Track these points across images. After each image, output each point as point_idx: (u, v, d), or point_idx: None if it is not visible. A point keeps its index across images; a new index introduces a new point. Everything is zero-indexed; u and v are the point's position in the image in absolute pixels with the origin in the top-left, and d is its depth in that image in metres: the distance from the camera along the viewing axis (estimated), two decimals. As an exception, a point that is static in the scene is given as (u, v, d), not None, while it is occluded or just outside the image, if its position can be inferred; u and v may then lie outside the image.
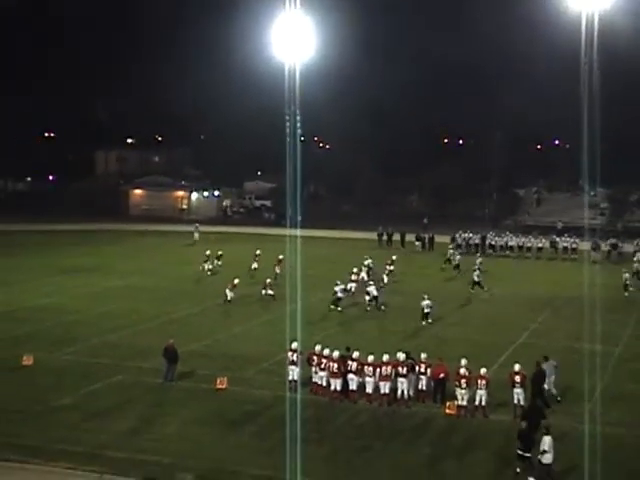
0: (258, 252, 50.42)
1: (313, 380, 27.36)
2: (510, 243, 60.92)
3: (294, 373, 27.25)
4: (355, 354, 26.95)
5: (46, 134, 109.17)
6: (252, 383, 28.52)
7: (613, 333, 34.77)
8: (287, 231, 49.43)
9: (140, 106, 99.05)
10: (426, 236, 63.46)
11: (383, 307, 40.03)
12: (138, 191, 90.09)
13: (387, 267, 47.23)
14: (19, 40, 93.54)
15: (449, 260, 52.81)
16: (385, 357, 26.63)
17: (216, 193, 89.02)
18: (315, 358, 27.28)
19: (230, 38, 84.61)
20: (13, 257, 55.98)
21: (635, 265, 49.43)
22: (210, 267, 49.78)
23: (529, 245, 60.35)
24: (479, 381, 25.42)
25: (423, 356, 26.97)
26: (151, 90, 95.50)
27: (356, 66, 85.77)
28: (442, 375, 26.44)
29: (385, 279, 44.85)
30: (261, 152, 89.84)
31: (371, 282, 42.12)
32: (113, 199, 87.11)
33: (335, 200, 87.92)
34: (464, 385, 25.54)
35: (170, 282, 47.44)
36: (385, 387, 26.34)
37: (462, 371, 25.75)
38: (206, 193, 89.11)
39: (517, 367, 25.96)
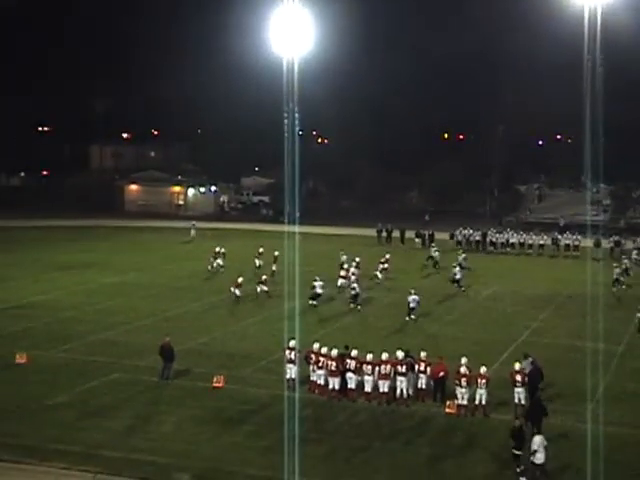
0: (261, 250, 49.56)
1: (311, 379, 27.07)
2: (511, 240, 60.61)
3: (292, 371, 27.00)
4: (354, 352, 26.68)
5: (40, 128, 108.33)
6: (249, 381, 28.23)
7: (615, 331, 34.46)
8: (285, 227, 49.11)
9: (136, 100, 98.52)
10: (426, 233, 63.10)
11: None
12: (134, 186, 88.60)
13: (381, 265, 46.81)
14: (19, 40, 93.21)
15: (431, 257, 52.26)
16: (384, 355, 26.34)
17: (213, 189, 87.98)
18: (313, 356, 27.00)
19: (228, 32, 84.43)
20: (7, 253, 55.49)
21: (625, 262, 48.80)
22: (222, 263, 48.87)
23: (530, 242, 60.03)
24: (479, 380, 25.16)
25: (423, 354, 26.67)
26: (147, 84, 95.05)
27: (355, 60, 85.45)
28: (442, 374, 26.17)
29: (379, 275, 44.45)
30: (259, 147, 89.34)
31: (351, 278, 41.66)
32: (108, 194, 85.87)
33: (334, 196, 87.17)
34: (464, 384, 25.28)
35: (166, 279, 47.10)
36: (384, 386, 26.04)
37: (462, 370, 25.51)
38: (203, 189, 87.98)
39: (518, 366, 25.71)
